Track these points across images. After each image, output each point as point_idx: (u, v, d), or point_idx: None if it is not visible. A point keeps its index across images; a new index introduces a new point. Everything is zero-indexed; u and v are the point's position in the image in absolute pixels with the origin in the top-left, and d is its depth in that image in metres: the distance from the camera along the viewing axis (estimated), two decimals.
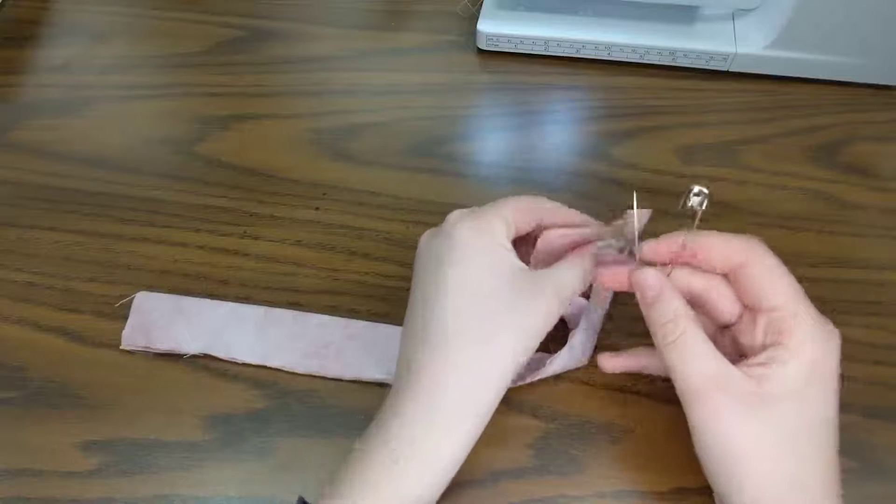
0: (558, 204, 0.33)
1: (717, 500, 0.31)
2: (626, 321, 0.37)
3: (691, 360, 0.28)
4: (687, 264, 0.30)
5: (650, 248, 0.30)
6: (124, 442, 0.35)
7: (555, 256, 0.33)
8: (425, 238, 0.33)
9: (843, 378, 0.36)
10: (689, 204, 0.28)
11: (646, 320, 0.30)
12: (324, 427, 0.35)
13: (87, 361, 0.38)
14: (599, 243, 0.32)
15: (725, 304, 0.31)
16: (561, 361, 0.35)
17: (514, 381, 0.35)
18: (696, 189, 0.27)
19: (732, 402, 0.27)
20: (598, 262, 0.32)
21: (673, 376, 0.29)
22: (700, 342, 0.28)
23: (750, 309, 0.30)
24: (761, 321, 0.29)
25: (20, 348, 0.38)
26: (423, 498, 0.28)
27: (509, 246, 0.31)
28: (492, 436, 0.34)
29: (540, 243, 0.33)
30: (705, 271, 0.31)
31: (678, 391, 0.29)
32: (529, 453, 0.34)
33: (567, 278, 0.30)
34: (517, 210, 0.32)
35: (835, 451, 0.28)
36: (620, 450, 0.34)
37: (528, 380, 0.35)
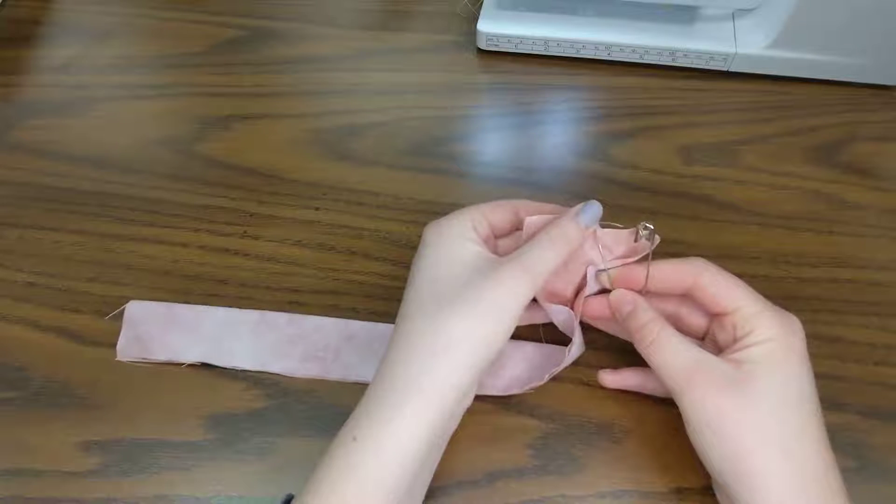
0: (530, 201, 0.34)
1: (718, 493, 0.31)
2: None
3: (672, 353, 0.30)
4: (648, 292, 0.33)
5: (619, 276, 0.33)
6: (124, 442, 0.35)
7: None
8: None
9: (843, 378, 0.36)
10: (641, 237, 0.32)
11: (626, 332, 0.32)
12: (324, 427, 0.35)
13: (87, 361, 0.38)
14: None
15: (695, 318, 0.33)
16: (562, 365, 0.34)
17: (522, 388, 0.35)
18: (643, 225, 0.32)
19: (717, 382, 0.29)
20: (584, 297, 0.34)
21: (660, 374, 0.30)
22: (677, 337, 0.30)
23: (718, 315, 0.32)
24: (729, 322, 0.31)
25: (20, 348, 0.38)
26: (383, 480, 0.27)
27: (474, 237, 0.31)
28: (491, 436, 0.35)
29: (525, 231, 0.33)
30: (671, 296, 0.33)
31: (668, 387, 0.30)
32: (529, 453, 0.34)
33: (534, 255, 0.30)
34: (491, 208, 0.33)
35: (821, 430, 0.29)
36: (620, 450, 0.34)
37: (529, 387, 0.35)
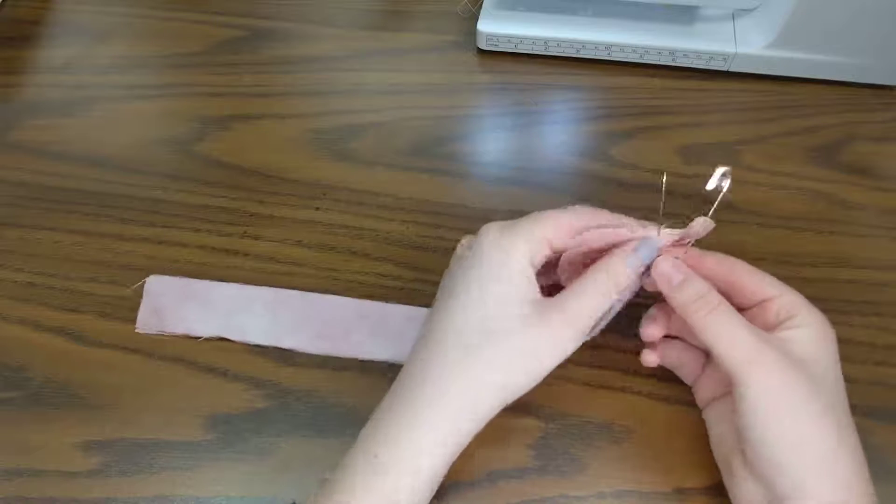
0: (596, 210, 0.32)
1: (733, 487, 0.30)
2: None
3: (735, 326, 0.28)
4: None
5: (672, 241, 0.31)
6: (124, 442, 0.35)
7: (577, 266, 0.32)
8: (463, 242, 0.33)
9: (844, 378, 0.36)
10: (714, 186, 0.29)
11: (676, 306, 0.30)
12: (324, 427, 0.35)
13: (87, 361, 0.38)
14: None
15: None
16: None
17: None
18: (723, 170, 0.29)
19: (782, 358, 0.28)
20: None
21: (717, 348, 0.28)
22: (735, 312, 0.29)
23: (760, 302, 0.31)
24: (772, 307, 0.30)
25: (20, 348, 0.38)
26: (402, 498, 0.28)
27: (529, 272, 0.30)
28: (491, 436, 0.34)
29: (581, 245, 0.31)
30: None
31: (724, 363, 0.28)
32: (529, 453, 0.34)
33: (580, 305, 0.29)
34: (556, 227, 0.31)
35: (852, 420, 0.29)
36: (620, 450, 0.34)
37: None
